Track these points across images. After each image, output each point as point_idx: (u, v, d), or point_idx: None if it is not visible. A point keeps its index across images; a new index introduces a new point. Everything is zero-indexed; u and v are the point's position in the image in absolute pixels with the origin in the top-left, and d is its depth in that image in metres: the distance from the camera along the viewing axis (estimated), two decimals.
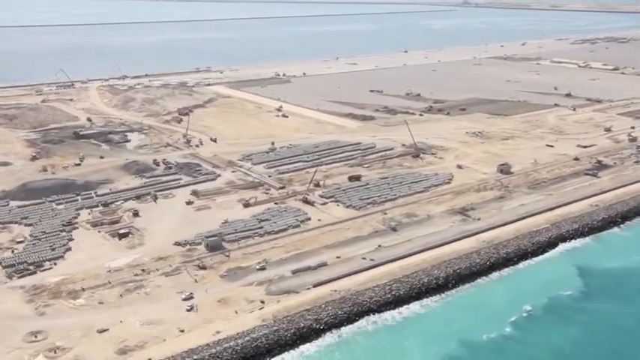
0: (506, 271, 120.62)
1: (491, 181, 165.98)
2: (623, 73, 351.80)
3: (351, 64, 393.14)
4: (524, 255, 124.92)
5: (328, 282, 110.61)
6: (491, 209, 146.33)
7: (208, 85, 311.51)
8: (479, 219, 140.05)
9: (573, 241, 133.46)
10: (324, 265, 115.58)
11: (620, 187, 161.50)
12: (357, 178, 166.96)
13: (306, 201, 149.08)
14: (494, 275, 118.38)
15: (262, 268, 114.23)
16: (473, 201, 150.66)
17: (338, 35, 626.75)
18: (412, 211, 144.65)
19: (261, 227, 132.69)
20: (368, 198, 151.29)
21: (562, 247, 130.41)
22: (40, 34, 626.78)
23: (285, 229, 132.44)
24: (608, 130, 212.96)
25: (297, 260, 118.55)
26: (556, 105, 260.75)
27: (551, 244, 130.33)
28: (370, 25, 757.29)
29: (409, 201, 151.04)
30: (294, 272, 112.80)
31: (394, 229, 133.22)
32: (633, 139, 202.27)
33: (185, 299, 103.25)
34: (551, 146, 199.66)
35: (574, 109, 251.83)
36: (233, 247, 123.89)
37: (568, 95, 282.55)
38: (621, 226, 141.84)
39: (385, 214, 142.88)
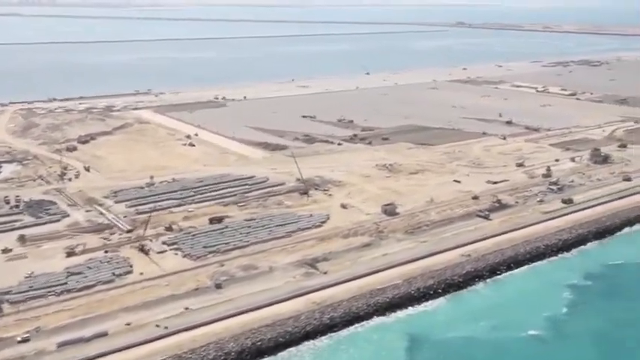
0: (323, 340, 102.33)
1: (368, 224, 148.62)
2: (578, 99, 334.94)
3: (302, 87, 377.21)
4: (352, 320, 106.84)
5: (97, 358, 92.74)
6: (346, 260, 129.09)
7: (135, 109, 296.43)
8: (325, 273, 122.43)
9: (423, 302, 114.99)
10: (103, 334, 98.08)
11: (506, 233, 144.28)
12: (219, 220, 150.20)
13: (141, 249, 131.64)
14: (306, 346, 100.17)
15: (25, 340, 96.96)
16: (333, 249, 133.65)
17: (310, 56, 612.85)
18: (255, 261, 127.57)
19: (65, 283, 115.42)
20: (214, 245, 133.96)
21: (404, 312, 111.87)
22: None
23: (92, 286, 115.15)
24: (520, 165, 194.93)
25: (80, 327, 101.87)
26: (484, 134, 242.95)
27: (394, 305, 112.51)
28: (350, 46, 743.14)
29: (261, 249, 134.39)
30: (61, 345, 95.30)
31: (219, 286, 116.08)
32: (547, 175, 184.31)
33: None
34: (459, 182, 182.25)
35: (504, 139, 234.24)
36: (13, 309, 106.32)
37: (508, 123, 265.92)
38: (487, 280, 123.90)
39: (222, 265, 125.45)
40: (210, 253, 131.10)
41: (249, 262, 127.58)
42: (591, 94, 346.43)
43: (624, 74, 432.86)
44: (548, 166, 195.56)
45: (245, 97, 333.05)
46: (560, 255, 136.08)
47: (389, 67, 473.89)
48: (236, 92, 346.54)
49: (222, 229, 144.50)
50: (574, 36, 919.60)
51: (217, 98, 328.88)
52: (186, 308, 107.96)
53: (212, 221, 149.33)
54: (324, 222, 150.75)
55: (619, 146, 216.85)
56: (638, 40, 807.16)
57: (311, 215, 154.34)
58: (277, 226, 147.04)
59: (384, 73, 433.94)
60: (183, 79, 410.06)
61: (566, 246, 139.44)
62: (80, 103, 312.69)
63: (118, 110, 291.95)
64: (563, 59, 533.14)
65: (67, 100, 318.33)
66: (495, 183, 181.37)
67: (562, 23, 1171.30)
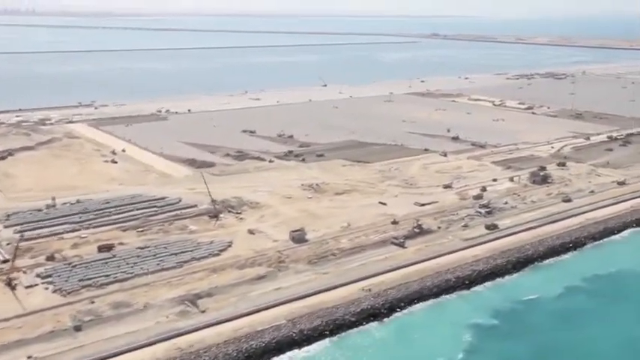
0: None
1: (271, 253, 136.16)
2: (534, 113, 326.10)
3: (254, 100, 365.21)
4: None
5: None
6: (233, 296, 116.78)
7: (70, 122, 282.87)
8: (203, 311, 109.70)
9: (305, 347, 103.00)
10: None
11: (417, 263, 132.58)
12: (109, 248, 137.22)
13: (8, 283, 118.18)
14: None
15: None
16: (223, 282, 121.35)
17: (273, 67, 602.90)
18: (132, 297, 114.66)
19: None
20: (92, 278, 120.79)
21: (280, 358, 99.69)
22: None
23: None
24: (447, 186, 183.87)
25: None
26: (426, 150, 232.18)
27: (270, 350, 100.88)
28: (319, 57, 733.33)
29: (143, 282, 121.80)
30: None
31: (78, 328, 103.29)
32: (479, 197, 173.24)
33: None
34: (384, 204, 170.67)
35: (445, 155, 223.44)
36: None
37: (455, 138, 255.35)
38: (384, 319, 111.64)
39: (92, 302, 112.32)
40: (84, 287, 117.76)
41: (125, 298, 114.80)
42: (548, 108, 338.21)
43: (585, 88, 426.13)
44: (484, 187, 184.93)
45: (189, 110, 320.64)
46: (471, 288, 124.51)
47: (350, 79, 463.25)
48: (182, 105, 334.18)
49: (109, 258, 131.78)
50: (546, 48, 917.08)
51: (160, 111, 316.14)
52: (29, 357, 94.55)
53: (101, 249, 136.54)
54: (223, 250, 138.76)
55: (558, 164, 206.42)
56: (608, 52, 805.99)
57: (212, 242, 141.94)
58: (171, 255, 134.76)
59: (341, 86, 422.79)
60: (133, 90, 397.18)
61: (480, 278, 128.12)
62: (17, 116, 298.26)
63: (51, 124, 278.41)
64: (529, 72, 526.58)
65: (3, 112, 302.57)
66: (423, 205, 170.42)
67: (536, 35, 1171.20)
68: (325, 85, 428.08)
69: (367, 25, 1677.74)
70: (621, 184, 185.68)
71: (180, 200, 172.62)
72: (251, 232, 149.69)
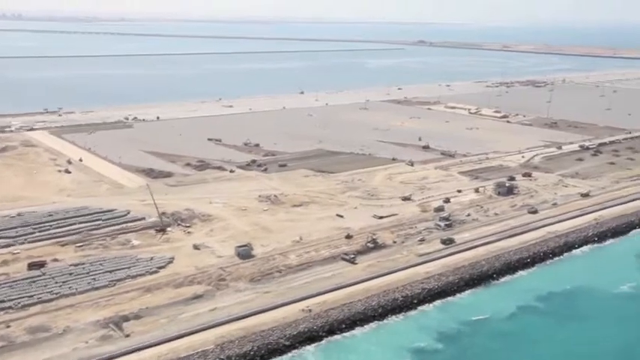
0: None
1: (213, 270, 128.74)
2: (508, 122, 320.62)
3: (226, 107, 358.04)
4: None
5: None
6: (163, 317, 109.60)
7: (31, 129, 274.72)
8: (128, 335, 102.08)
9: None
10: None
11: (365, 281, 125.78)
12: (41, 265, 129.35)
13: None
14: None
15: None
16: (155, 303, 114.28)
17: (252, 74, 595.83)
18: (53, 321, 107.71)
19: None
20: (14, 299, 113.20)
21: None
22: None
23: None
24: (406, 199, 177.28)
25: None
26: (394, 160, 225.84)
27: None
28: (302, 63, 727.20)
29: (69, 303, 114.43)
30: None
31: None
32: (440, 209, 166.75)
33: None
34: (341, 217, 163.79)
35: (412, 165, 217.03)
36: None
37: (425, 147, 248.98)
38: (322, 342, 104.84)
39: (8, 326, 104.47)
40: (3, 310, 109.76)
41: (45, 321, 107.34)
42: (523, 116, 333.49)
43: (563, 96, 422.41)
44: (447, 198, 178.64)
45: (158, 118, 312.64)
46: (419, 308, 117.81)
47: (328, 86, 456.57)
48: (152, 112, 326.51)
49: (37, 277, 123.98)
50: (530, 56, 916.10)
51: (127, 119, 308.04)
52: None
53: (31, 267, 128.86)
54: (163, 267, 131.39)
55: (523, 175, 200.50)
56: (592, 60, 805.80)
57: (152, 258, 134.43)
58: (106, 272, 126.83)
59: (318, 93, 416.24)
60: (105, 97, 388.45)
61: (429, 297, 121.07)
62: None
63: (11, 131, 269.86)
64: (509, 79, 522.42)
65: None
66: (382, 218, 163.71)
67: (521, 43, 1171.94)
68: (302, 93, 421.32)
69: (355, 32, 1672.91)
70: (585, 195, 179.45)
71: (128, 213, 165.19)
72: (196, 247, 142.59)
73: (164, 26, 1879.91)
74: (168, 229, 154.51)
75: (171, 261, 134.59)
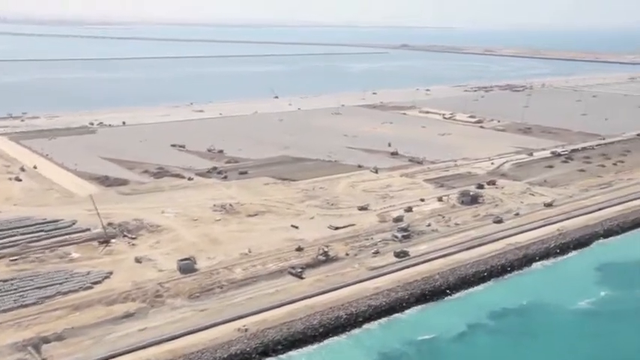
0: None
1: (151, 285, 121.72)
2: (482, 127, 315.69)
3: (197, 112, 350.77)
4: None
5: None
6: (88, 339, 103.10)
7: None
8: (45, 359, 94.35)
9: None
10: None
11: (310, 297, 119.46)
12: None
13: None
14: None
15: None
16: (83, 322, 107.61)
17: (228, 77, 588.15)
18: None
19: None
20: None
21: None
22: None
23: None
24: (363, 208, 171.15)
25: None
26: (360, 167, 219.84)
27: None
28: (283, 67, 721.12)
29: None
30: None
31: None
32: (399, 219, 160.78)
33: None
34: (296, 227, 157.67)
35: (376, 172, 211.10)
36: None
37: (394, 154, 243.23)
38: None
39: None
40: None
41: None
42: (498, 121, 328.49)
43: (540, 101, 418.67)
44: (409, 207, 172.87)
45: (124, 123, 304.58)
46: (364, 326, 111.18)
47: (304, 90, 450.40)
48: (119, 116, 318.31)
49: None
50: (513, 59, 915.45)
51: (92, 124, 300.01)
52: None
53: None
54: (99, 282, 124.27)
55: (488, 183, 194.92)
56: (575, 64, 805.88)
57: (88, 273, 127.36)
58: (35, 288, 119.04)
59: (293, 97, 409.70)
60: (73, 101, 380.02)
61: (375, 314, 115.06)
62: None
63: None
64: (489, 84, 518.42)
65: None
66: (337, 229, 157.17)
67: (504, 47, 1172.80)
68: (277, 97, 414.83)
69: (339, 35, 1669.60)
70: (548, 205, 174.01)
71: (74, 223, 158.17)
72: (138, 260, 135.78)
73: (145, 29, 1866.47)
74: (113, 240, 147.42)
75: (108, 276, 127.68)
